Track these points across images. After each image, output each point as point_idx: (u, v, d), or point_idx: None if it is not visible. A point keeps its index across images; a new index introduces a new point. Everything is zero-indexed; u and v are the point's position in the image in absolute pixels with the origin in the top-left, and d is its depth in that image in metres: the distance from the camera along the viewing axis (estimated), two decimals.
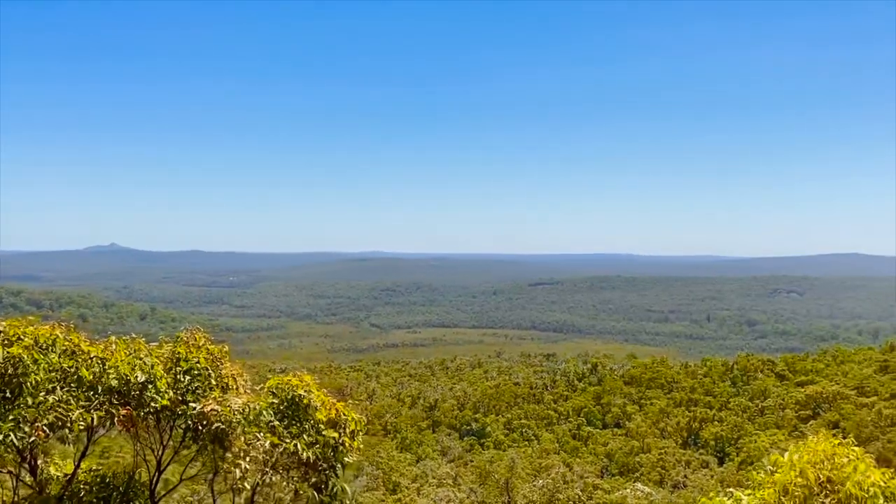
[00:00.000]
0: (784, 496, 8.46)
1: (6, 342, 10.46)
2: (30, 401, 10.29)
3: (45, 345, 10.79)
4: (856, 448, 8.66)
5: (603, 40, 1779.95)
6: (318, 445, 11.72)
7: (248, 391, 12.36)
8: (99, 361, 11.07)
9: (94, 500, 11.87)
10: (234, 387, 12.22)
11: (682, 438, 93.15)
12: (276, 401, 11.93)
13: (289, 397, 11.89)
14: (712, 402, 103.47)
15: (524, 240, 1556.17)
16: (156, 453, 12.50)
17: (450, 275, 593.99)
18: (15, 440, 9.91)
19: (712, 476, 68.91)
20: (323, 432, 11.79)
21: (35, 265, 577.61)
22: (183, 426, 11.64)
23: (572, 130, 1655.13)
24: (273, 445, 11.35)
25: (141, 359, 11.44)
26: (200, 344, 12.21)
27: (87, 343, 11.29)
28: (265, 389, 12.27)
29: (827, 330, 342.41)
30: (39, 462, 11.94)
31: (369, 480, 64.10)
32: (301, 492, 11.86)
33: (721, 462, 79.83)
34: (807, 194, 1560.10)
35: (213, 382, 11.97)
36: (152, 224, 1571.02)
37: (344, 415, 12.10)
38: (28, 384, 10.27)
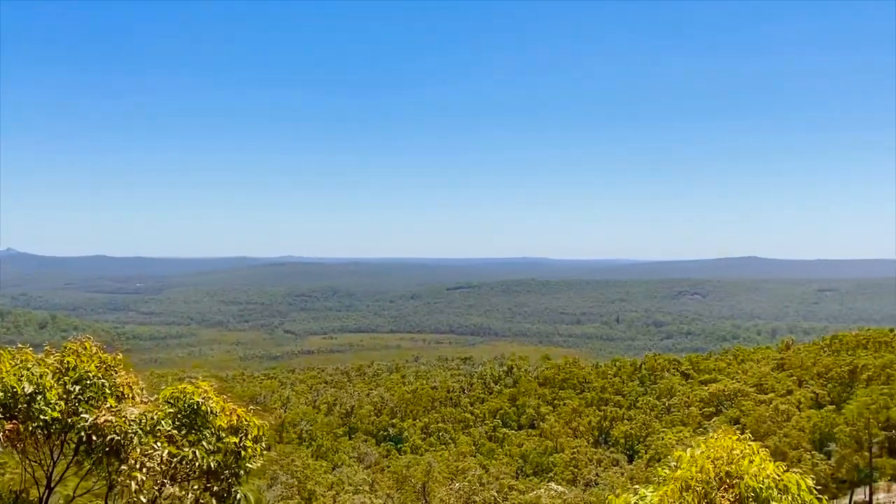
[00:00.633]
0: (686, 491, 8.73)
1: None
2: None
3: None
4: (752, 443, 9.06)
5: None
6: (219, 453, 11.38)
7: (146, 400, 11.88)
8: None
9: None
10: (130, 396, 11.72)
11: (593, 437, 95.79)
12: (173, 409, 11.50)
13: (187, 405, 11.47)
14: (622, 401, 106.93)
15: (442, 244, 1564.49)
16: (46, 469, 11.86)
17: (367, 279, 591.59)
18: None
19: (622, 473, 71.05)
20: (224, 439, 11.45)
21: None
22: (75, 439, 11.16)
23: (485, 134, 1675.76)
24: (171, 455, 10.96)
25: (28, 369, 10.82)
26: (92, 353, 11.63)
27: None
28: (160, 399, 11.82)
29: (728, 330, 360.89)
30: None
31: (284, 489, 62.72)
32: (203, 502, 11.47)
33: (631, 460, 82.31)
34: (705, 199, 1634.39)
35: (108, 392, 11.47)
36: (52, 227, 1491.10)
37: (246, 420, 11.78)
38: None
